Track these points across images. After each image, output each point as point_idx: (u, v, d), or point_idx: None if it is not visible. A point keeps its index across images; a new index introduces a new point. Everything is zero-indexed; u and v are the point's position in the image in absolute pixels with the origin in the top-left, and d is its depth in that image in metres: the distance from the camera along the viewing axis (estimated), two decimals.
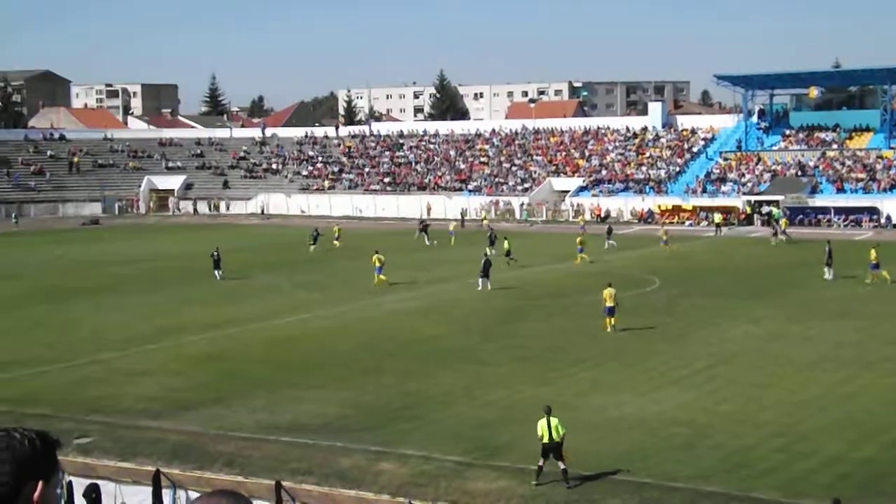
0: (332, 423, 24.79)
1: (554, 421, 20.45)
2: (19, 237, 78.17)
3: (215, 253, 51.33)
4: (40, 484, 3.24)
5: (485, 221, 78.32)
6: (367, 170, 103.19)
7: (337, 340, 35.22)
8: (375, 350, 33.43)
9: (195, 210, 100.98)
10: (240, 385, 28.83)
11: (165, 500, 17.56)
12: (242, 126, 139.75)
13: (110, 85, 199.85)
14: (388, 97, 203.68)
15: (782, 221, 69.85)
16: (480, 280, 45.90)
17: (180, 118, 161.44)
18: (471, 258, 58.24)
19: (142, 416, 25.61)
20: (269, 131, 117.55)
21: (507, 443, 22.93)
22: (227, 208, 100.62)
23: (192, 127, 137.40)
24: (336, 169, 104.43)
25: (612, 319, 35.80)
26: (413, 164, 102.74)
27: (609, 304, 35.86)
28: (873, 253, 46.56)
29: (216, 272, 50.67)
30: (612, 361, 31.39)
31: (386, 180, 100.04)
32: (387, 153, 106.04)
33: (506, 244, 55.86)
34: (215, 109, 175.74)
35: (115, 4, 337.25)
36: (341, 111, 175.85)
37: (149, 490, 17.46)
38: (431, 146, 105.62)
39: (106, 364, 31.82)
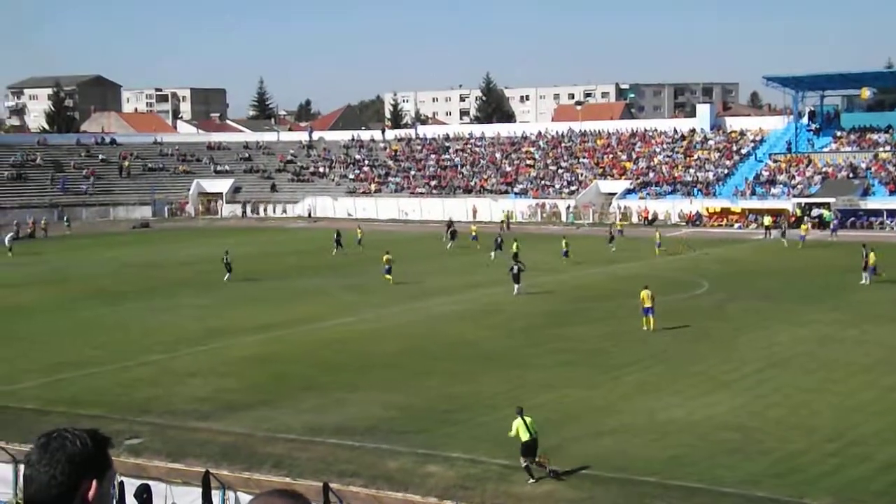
0: (378, 425, 24.86)
1: (528, 419, 21.17)
2: (71, 240, 79.25)
3: (226, 257, 52.12)
4: (94, 482, 3.29)
5: (503, 224, 78.24)
6: (412, 173, 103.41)
7: (382, 344, 35.30)
8: (421, 353, 33.48)
9: (243, 213, 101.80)
10: (287, 387, 29.01)
11: (215, 500, 17.70)
12: (290, 130, 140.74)
13: (160, 89, 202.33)
14: (433, 100, 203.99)
15: (804, 226, 69.25)
16: (515, 286, 45.67)
17: (228, 122, 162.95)
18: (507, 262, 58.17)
19: (191, 418, 25.86)
20: (316, 135, 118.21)
21: (553, 446, 22.80)
22: (276, 211, 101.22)
23: (240, 131, 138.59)
24: (382, 172, 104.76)
25: (652, 319, 36.30)
26: (459, 166, 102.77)
27: (647, 304, 36.56)
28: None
29: (227, 275, 51.21)
30: (659, 365, 31.16)
31: (432, 183, 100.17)
32: (432, 156, 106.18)
33: (514, 247, 55.80)
34: (263, 113, 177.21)
35: (164, 10, 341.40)
36: (387, 114, 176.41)
37: (199, 491, 17.60)
38: (477, 149, 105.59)
39: (156, 365, 32.17)
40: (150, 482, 18.10)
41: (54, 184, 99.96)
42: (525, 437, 20.93)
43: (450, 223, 73.03)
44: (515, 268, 46.48)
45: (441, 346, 34.69)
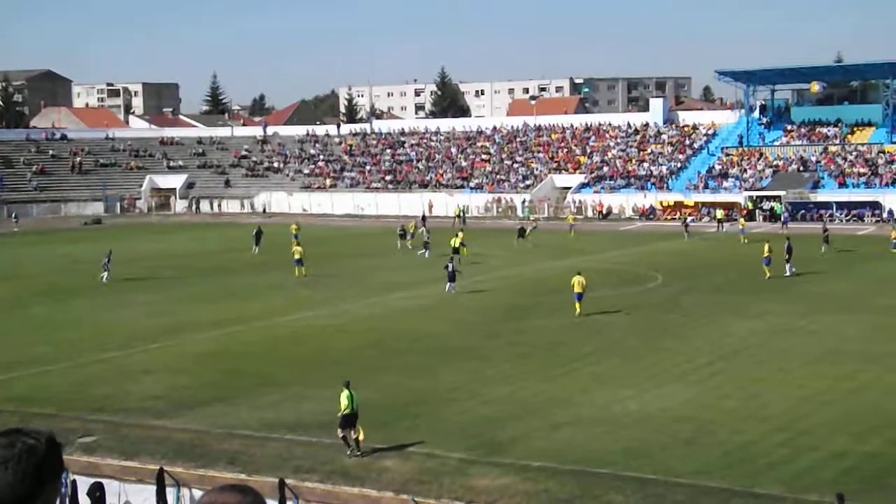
0: (335, 420, 24.73)
1: (354, 393, 22.31)
2: (20, 237, 78.16)
3: (105, 259, 50.29)
4: (56, 486, 3.28)
5: (456, 219, 78.09)
6: (368, 168, 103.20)
7: (340, 339, 35.23)
8: (379, 348, 33.45)
9: (196, 209, 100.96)
10: (243, 383, 28.86)
11: (169, 498, 17.57)
12: (244, 125, 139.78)
13: (111, 84, 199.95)
14: (389, 95, 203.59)
15: (741, 220, 70.43)
16: (448, 284, 44.35)
17: (181, 117, 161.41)
18: (479, 256, 58.32)
19: (145, 415, 25.64)
20: (270, 130, 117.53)
21: (510, 439, 22.95)
22: (230, 207, 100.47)
23: (194, 126, 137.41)
24: (338, 167, 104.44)
25: (579, 305, 38.50)
26: (414, 161, 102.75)
27: (577, 290, 38.71)
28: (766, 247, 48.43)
29: (104, 274, 49.58)
30: (614, 357, 31.40)
31: (387, 178, 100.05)
32: (388, 151, 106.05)
33: (455, 241, 55.96)
34: (216, 108, 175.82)
35: (115, 3, 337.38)
36: (342, 109, 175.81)
37: (153, 489, 17.47)
38: (433, 144, 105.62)
39: (109, 363, 31.85)
40: (104, 480, 17.96)
41: None
42: (346, 409, 22.05)
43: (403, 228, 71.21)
44: (451, 265, 44.97)
45: (399, 340, 34.69)
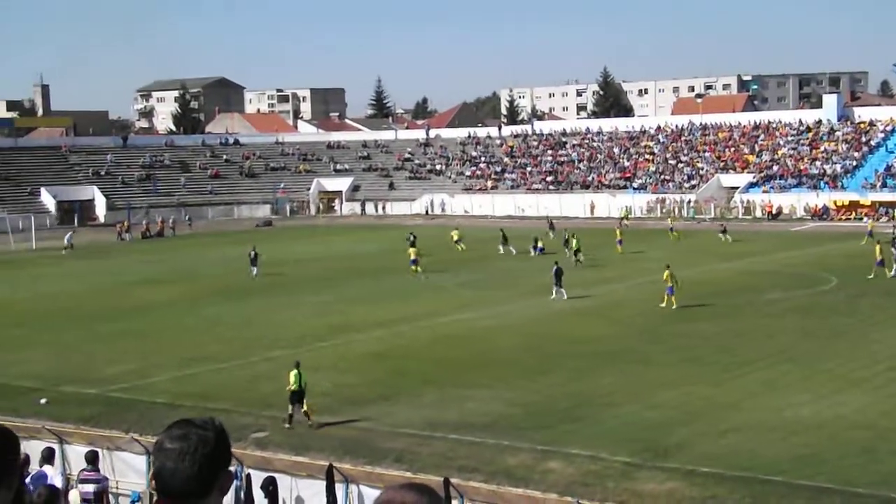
0: (498, 421, 24.86)
1: (302, 372, 25.03)
2: (196, 239, 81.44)
3: (252, 252, 54.05)
4: (230, 475, 3.39)
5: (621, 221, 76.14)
6: (529, 169, 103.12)
7: (502, 340, 35.28)
8: (540, 350, 33.32)
9: (363, 211, 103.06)
10: (408, 382, 29.25)
11: (339, 494, 17.95)
12: (407, 128, 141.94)
13: (281, 90, 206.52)
14: (550, 96, 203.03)
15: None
16: (555, 289, 43.17)
17: (347, 121, 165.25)
18: (638, 258, 57.52)
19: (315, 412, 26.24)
20: (433, 132, 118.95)
21: (677, 444, 22.47)
22: (394, 209, 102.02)
23: (359, 130, 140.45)
24: (499, 169, 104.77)
25: (666, 297, 39.92)
26: (576, 162, 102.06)
27: (669, 284, 40.13)
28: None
29: (253, 269, 53.43)
30: (786, 363, 30.35)
31: (548, 179, 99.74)
32: (549, 152, 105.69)
33: (574, 243, 55.46)
34: (381, 112, 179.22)
35: (285, 12, 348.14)
36: (503, 111, 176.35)
37: (322, 484, 17.87)
38: (594, 144, 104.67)
39: (278, 361, 32.68)
40: (276, 475, 18.47)
41: (150, 184, 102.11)
42: (294, 386, 24.76)
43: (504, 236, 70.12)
44: (556, 267, 43.48)
45: (561, 342, 34.47)
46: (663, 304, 39.92)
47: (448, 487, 16.51)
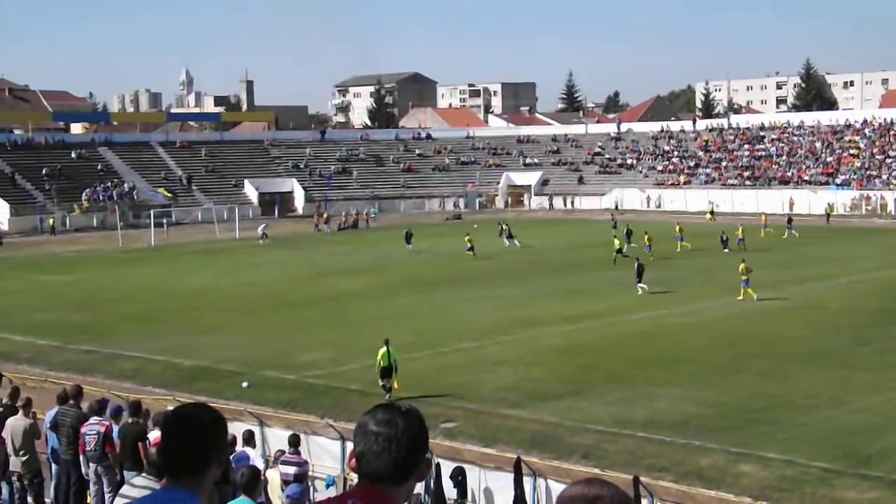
0: (688, 421, 24.32)
1: (391, 349, 26.69)
2: (389, 231, 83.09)
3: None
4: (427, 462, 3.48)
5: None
6: (724, 164, 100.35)
7: (694, 338, 34.48)
8: (733, 349, 32.39)
9: (550, 205, 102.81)
10: (594, 378, 29.01)
11: (526, 487, 17.99)
12: (598, 122, 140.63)
13: (472, 85, 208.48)
14: (748, 89, 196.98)
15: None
16: (638, 286, 43.99)
17: (537, 115, 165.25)
18: (834, 257, 55.16)
19: (501, 405, 26.42)
20: (624, 126, 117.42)
21: (881, 451, 21.40)
22: (582, 203, 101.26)
23: (549, 124, 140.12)
24: (692, 163, 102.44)
25: (742, 290, 40.87)
26: (774, 157, 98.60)
27: (743, 277, 40.98)
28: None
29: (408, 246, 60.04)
30: None
31: (745, 174, 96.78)
32: (746, 146, 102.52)
33: (644, 238, 55.75)
34: (571, 106, 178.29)
35: (476, 8, 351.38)
36: (698, 104, 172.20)
37: (510, 476, 17.95)
38: (795, 138, 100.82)
39: (466, 353, 33.11)
40: (465, 465, 18.68)
41: (322, 177, 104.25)
42: (383, 362, 26.61)
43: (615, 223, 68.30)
44: (637, 263, 44.79)
45: (756, 342, 33.39)
46: (741, 298, 40.80)
47: (637, 486, 16.30)
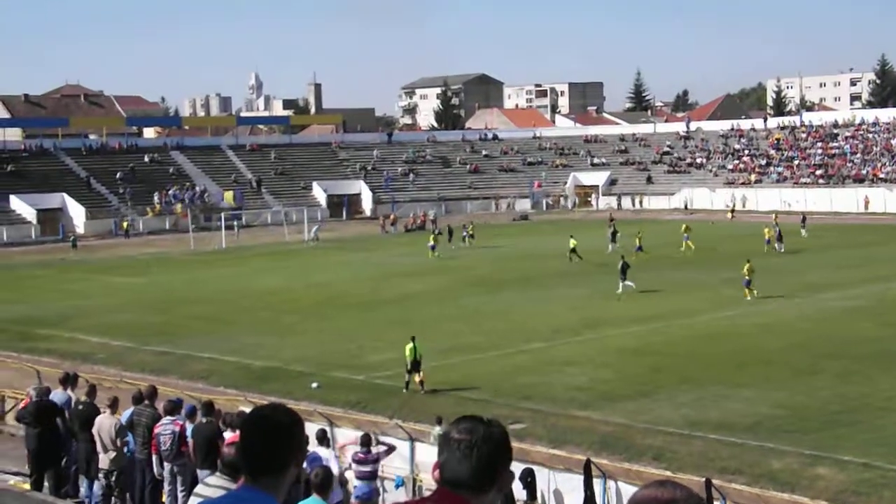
0: (761, 422, 23.95)
1: (417, 345, 27.46)
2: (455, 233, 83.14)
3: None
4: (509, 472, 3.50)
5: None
6: (796, 162, 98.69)
7: (767, 339, 33.94)
8: (807, 350, 31.81)
9: (619, 205, 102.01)
10: (665, 380, 28.70)
11: (596, 488, 17.85)
12: (666, 121, 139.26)
13: (539, 85, 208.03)
14: (821, 86, 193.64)
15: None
16: (620, 283, 44.07)
17: (605, 115, 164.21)
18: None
19: (570, 406, 26.28)
20: (693, 125, 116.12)
21: None
22: (651, 203, 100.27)
23: (617, 123, 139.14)
24: (763, 162, 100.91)
25: (745, 291, 41.28)
26: (849, 155, 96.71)
27: (747, 277, 41.42)
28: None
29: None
30: None
31: (818, 173, 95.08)
32: (819, 144, 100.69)
33: (637, 241, 56.05)
34: (639, 105, 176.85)
35: (542, 8, 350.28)
36: (769, 102, 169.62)
37: (580, 478, 17.83)
38: (870, 135, 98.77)
39: (534, 353, 32.99)
40: (534, 466, 18.60)
41: (383, 181, 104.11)
42: (410, 357, 27.44)
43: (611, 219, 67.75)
44: (623, 262, 44.98)
45: (831, 343, 32.75)
46: (749, 298, 41.22)
47: (710, 489, 16.08)
